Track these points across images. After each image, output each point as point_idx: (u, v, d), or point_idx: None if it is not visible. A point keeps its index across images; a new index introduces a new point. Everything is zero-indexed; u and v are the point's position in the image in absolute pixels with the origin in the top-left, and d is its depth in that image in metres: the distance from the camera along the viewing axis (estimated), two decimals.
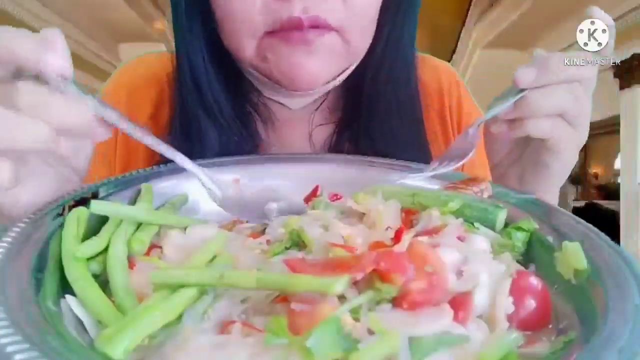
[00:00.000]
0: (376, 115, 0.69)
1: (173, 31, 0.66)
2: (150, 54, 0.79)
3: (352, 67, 0.67)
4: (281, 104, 0.71)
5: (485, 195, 0.49)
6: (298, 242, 0.42)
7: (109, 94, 0.75)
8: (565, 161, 0.53)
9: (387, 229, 0.44)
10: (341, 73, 0.66)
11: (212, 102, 0.66)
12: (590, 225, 0.41)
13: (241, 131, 0.68)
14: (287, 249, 0.41)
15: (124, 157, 0.72)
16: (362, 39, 0.64)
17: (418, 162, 0.60)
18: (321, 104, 0.72)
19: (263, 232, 0.47)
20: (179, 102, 0.67)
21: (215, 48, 0.65)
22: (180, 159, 0.50)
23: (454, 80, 0.81)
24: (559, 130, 0.50)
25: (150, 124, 0.70)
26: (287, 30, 0.57)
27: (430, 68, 0.79)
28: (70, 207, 0.42)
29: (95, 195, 0.46)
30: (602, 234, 0.39)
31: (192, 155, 0.63)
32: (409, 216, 0.47)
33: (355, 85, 0.70)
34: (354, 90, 0.70)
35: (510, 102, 0.49)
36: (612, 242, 0.37)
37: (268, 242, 0.44)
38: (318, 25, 0.57)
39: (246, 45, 0.60)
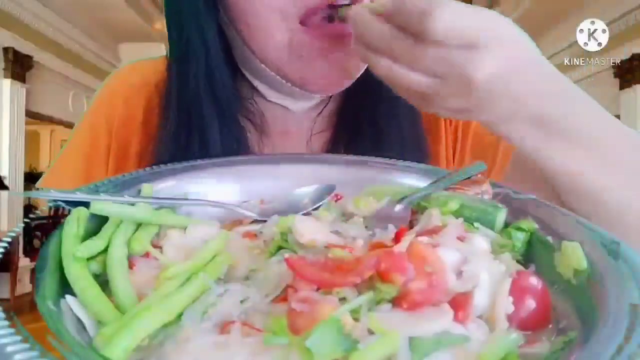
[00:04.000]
0: (376, 118, 0.68)
1: (168, 25, 0.66)
2: (145, 60, 0.78)
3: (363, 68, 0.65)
4: (284, 107, 0.70)
5: (486, 196, 0.49)
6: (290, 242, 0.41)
7: (104, 100, 0.75)
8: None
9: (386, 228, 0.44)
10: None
11: (222, 93, 0.65)
12: (591, 224, 0.41)
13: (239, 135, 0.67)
14: (281, 248, 0.41)
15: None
16: None
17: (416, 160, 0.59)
18: (323, 109, 0.71)
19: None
20: (180, 94, 0.66)
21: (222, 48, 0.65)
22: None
23: None
24: None
25: (141, 129, 0.71)
26: (316, 25, 0.58)
27: None
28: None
29: None
30: (604, 232, 0.39)
31: (191, 149, 0.62)
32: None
33: (354, 88, 0.67)
34: (352, 94, 0.69)
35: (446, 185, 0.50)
36: (614, 238, 0.37)
37: (265, 242, 0.44)
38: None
39: (278, 38, 0.59)
